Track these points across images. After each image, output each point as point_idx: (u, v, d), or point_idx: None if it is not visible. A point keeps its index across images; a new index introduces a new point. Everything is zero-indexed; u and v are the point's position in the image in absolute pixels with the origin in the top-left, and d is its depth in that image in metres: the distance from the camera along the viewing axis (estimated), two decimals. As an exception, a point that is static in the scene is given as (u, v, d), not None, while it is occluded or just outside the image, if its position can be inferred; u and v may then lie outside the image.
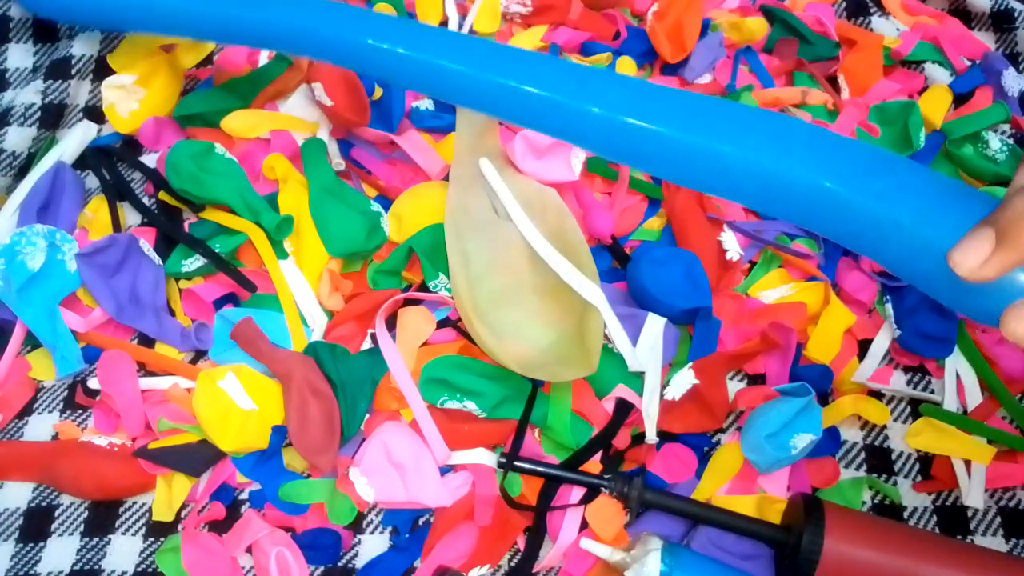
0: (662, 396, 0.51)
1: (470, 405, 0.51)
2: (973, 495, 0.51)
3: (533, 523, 0.50)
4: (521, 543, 0.50)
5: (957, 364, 0.54)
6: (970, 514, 0.51)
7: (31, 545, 0.50)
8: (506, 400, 0.51)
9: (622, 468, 0.52)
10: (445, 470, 0.51)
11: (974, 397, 0.54)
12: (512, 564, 0.50)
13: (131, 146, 0.62)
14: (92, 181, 0.61)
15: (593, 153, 0.56)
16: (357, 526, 0.51)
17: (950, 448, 0.52)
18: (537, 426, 0.52)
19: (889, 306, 0.55)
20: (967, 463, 0.51)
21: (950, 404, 0.54)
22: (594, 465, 0.50)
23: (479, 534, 0.49)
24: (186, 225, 0.58)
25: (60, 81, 0.62)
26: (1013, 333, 0.27)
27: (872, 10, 0.67)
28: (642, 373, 0.52)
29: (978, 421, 0.52)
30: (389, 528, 0.51)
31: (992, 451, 0.51)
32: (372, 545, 0.51)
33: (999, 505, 0.52)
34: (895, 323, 0.54)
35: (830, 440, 0.52)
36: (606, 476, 0.49)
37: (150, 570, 0.49)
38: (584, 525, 0.50)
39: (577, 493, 0.50)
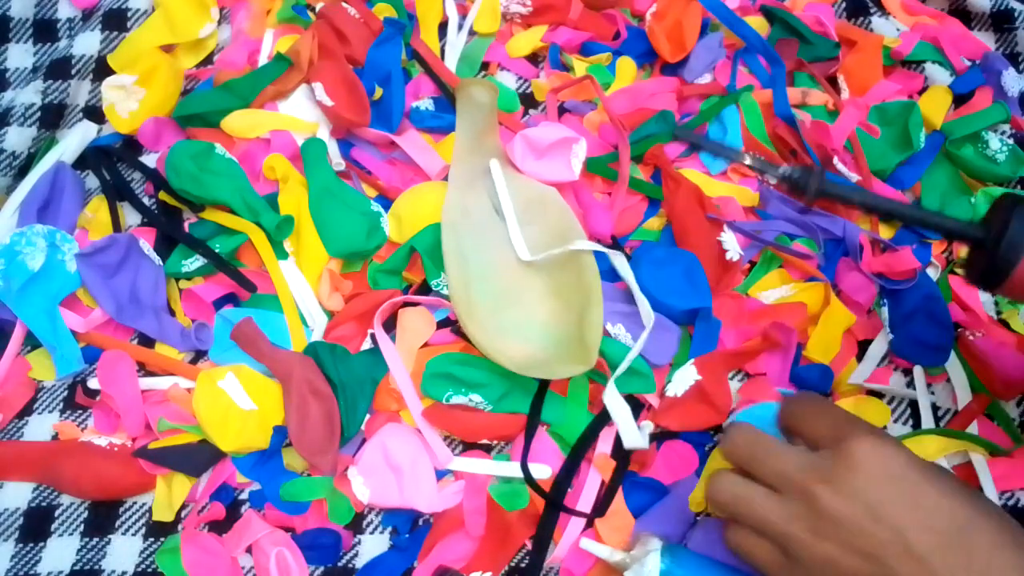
0: (664, 393, 0.51)
1: (476, 398, 0.51)
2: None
3: (540, 522, 0.49)
4: (528, 545, 0.50)
5: (952, 369, 0.54)
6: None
7: (31, 545, 0.50)
8: (511, 391, 0.51)
9: (628, 467, 0.51)
10: (444, 473, 0.51)
11: (967, 400, 0.54)
12: (513, 565, 0.50)
13: (131, 146, 0.62)
14: (92, 181, 0.61)
15: None
16: (357, 526, 0.51)
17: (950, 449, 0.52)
18: (556, 429, 0.51)
19: (885, 310, 0.55)
20: (971, 463, 0.51)
21: (947, 405, 0.54)
22: (607, 465, 0.50)
23: (479, 542, 0.49)
24: (186, 225, 0.58)
25: (60, 81, 0.62)
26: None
27: (872, 10, 0.67)
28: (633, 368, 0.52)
29: (975, 435, 0.52)
30: (389, 528, 0.51)
31: (985, 453, 0.51)
32: (372, 545, 0.51)
33: (999, 505, 0.52)
34: (889, 329, 0.54)
35: (830, 440, 0.52)
36: (785, 166, 0.48)
37: (150, 570, 0.49)
38: (586, 525, 0.50)
39: (586, 500, 0.50)
